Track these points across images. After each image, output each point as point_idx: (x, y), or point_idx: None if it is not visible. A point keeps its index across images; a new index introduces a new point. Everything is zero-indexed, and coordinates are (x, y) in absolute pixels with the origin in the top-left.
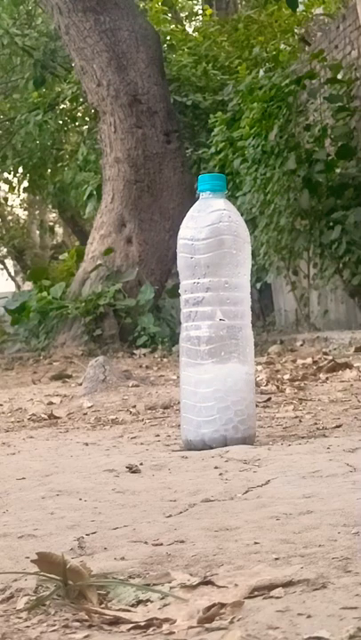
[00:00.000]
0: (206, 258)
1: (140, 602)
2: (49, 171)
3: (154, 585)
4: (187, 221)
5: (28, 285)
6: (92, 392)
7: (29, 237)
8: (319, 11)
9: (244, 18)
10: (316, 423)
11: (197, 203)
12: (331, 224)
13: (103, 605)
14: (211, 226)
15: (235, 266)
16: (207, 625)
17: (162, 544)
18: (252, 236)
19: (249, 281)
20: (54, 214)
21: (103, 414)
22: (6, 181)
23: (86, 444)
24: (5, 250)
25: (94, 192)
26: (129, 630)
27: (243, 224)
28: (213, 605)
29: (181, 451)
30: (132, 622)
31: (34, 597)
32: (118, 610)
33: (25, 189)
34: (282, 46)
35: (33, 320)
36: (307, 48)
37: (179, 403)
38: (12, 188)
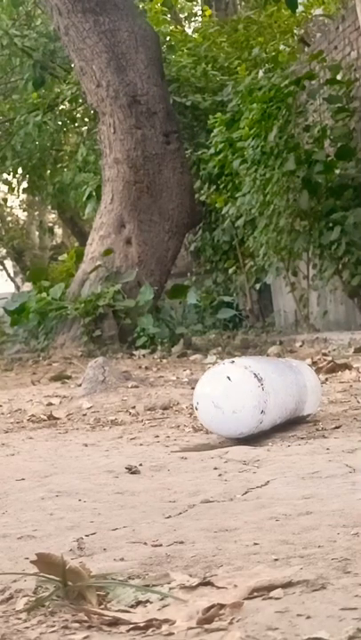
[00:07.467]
0: None
1: (139, 603)
2: (48, 172)
3: (153, 586)
4: None
5: (27, 286)
6: (92, 393)
7: (29, 238)
8: (319, 11)
9: (243, 19)
10: (315, 424)
11: None
12: (330, 225)
13: (103, 606)
14: None
15: None
16: (206, 626)
17: (161, 545)
18: (252, 237)
19: None
20: (54, 215)
21: (102, 415)
22: (6, 182)
23: (86, 445)
24: (5, 251)
25: (94, 193)
26: (128, 631)
27: None
28: (213, 606)
29: (181, 451)
30: (131, 623)
31: (33, 598)
32: (118, 611)
33: (24, 190)
34: (281, 47)
35: (32, 321)
36: (306, 49)
37: (178, 404)
38: (11, 189)
